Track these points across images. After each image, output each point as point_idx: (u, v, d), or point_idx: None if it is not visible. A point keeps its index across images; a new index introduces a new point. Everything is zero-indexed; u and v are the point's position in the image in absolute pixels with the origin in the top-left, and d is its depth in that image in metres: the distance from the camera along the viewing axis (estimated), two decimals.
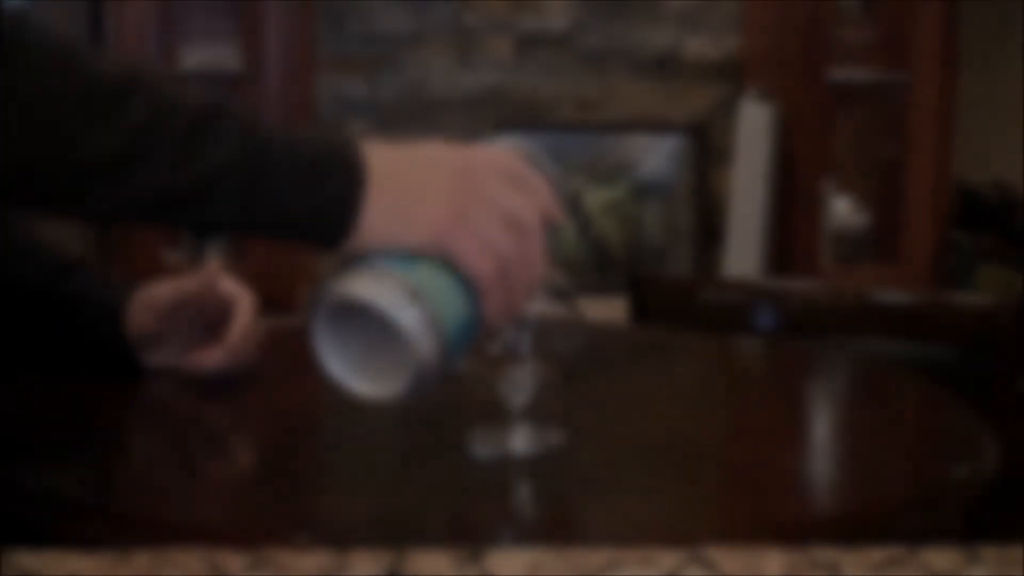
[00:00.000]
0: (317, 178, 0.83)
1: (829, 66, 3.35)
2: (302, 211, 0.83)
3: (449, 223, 0.84)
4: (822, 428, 1.15)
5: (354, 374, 0.85)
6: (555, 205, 0.90)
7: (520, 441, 0.98)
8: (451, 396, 1.08)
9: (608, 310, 3.14)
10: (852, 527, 0.87)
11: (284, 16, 3.27)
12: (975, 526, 1.04)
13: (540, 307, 0.96)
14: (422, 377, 0.82)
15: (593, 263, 3.66)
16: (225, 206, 0.82)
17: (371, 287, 0.82)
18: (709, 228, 3.65)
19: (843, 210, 3.43)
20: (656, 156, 3.65)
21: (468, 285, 0.85)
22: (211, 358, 1.17)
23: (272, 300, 3.30)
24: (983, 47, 3.54)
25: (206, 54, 3.38)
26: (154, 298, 1.17)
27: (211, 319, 1.21)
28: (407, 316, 0.81)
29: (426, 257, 0.85)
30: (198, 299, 1.19)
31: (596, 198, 3.65)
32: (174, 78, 0.84)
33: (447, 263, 0.85)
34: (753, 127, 3.36)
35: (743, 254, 3.36)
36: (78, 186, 0.80)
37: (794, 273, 3.24)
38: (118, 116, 0.79)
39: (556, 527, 0.90)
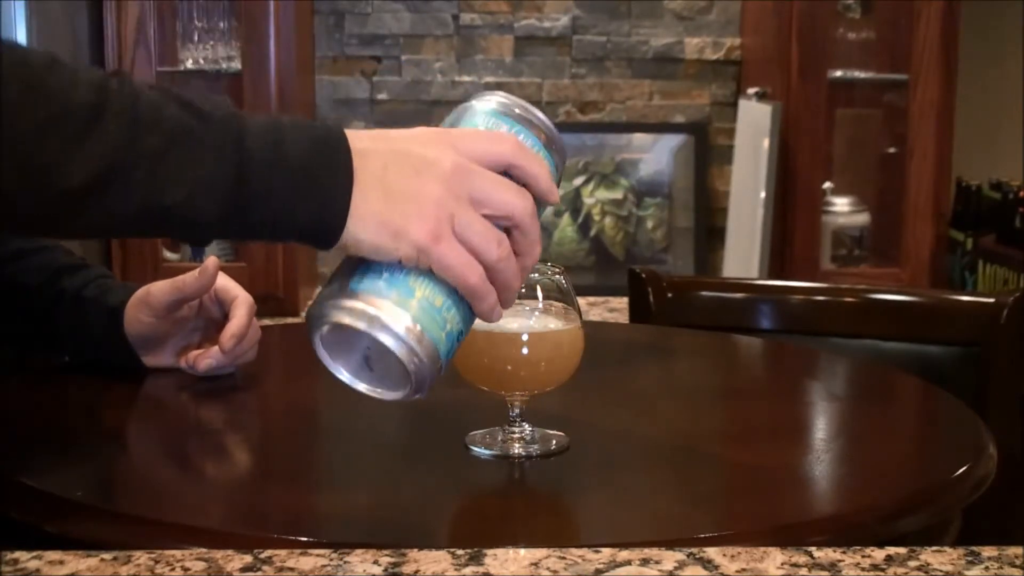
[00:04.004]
0: (304, 187, 0.81)
1: (829, 66, 3.35)
2: (288, 220, 0.82)
3: (433, 240, 0.82)
4: (822, 428, 1.15)
5: (360, 377, 0.86)
6: (552, 187, 0.89)
7: (520, 441, 0.98)
8: (451, 396, 1.08)
9: (608, 310, 3.14)
10: (852, 527, 0.86)
11: (284, 16, 3.26)
12: (975, 526, 1.04)
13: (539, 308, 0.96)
14: (420, 382, 0.82)
15: (593, 263, 3.66)
16: (208, 218, 0.80)
17: (359, 315, 0.81)
18: (709, 228, 3.65)
19: (843, 210, 3.43)
20: (656, 156, 3.65)
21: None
22: (209, 358, 1.17)
23: (272, 300, 3.29)
24: (983, 47, 3.54)
25: (206, 54, 3.38)
26: (153, 298, 1.17)
27: (209, 319, 1.21)
28: (399, 342, 0.81)
29: None
30: (197, 299, 1.19)
31: (596, 198, 3.65)
32: (151, 84, 0.81)
33: None
34: (753, 127, 3.36)
35: (743, 254, 3.35)
36: (56, 211, 0.78)
37: (794, 273, 3.24)
38: (92, 140, 0.77)
39: (556, 527, 0.90)
